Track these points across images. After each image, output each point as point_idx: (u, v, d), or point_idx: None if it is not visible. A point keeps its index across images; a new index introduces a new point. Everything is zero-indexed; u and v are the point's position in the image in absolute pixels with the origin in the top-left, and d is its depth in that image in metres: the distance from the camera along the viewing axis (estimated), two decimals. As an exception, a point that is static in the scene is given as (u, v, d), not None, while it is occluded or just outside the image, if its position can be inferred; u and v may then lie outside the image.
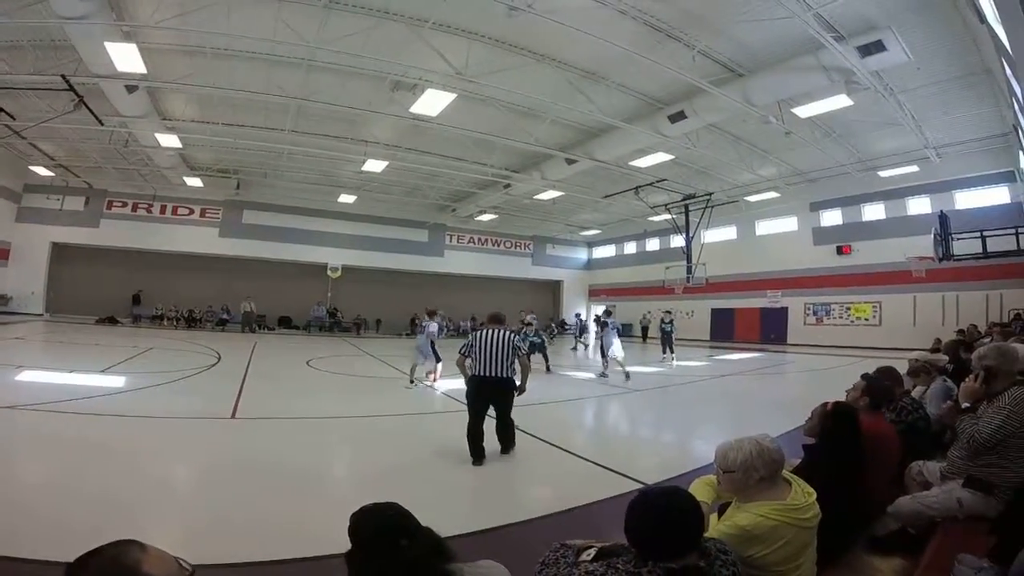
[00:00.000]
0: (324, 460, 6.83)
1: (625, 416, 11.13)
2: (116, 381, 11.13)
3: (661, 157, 23.05)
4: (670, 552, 2.04)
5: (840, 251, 29.26)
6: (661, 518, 2.09)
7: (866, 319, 28.12)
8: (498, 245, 43.51)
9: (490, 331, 7.03)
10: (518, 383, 7.10)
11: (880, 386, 4.44)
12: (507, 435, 7.06)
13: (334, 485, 6.03)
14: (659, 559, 2.02)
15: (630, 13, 13.98)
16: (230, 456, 6.50)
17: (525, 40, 15.89)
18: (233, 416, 8.50)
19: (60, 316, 30.11)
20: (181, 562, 1.38)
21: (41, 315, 29.86)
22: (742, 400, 13.41)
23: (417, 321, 24.54)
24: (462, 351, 7.07)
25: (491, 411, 6.89)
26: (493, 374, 6.82)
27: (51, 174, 29.00)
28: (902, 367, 5.92)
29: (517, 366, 7.04)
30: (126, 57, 14.82)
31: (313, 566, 3.73)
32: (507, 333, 7.06)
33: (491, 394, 6.91)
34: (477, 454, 6.66)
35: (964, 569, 2.69)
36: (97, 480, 5.22)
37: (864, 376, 4.63)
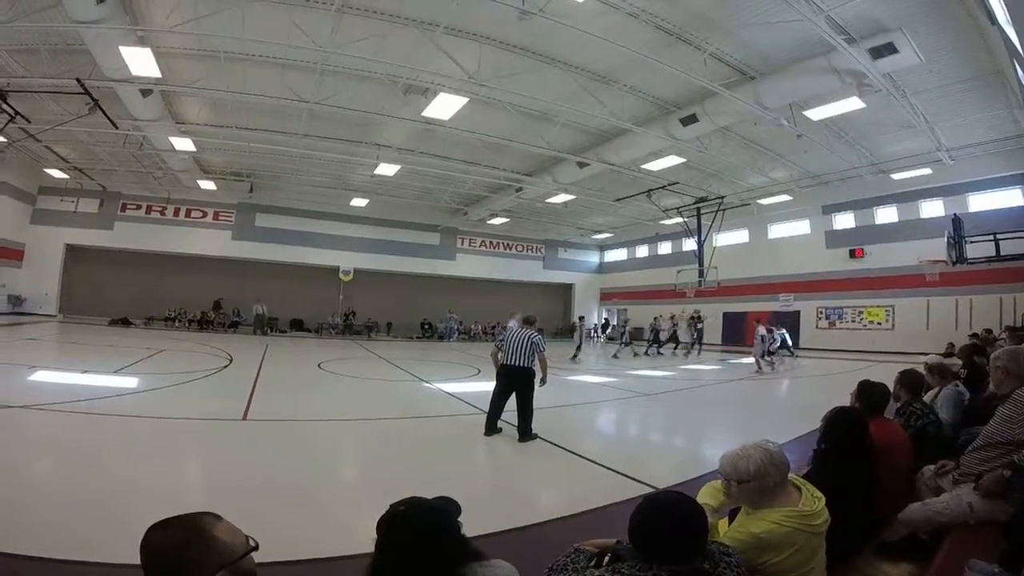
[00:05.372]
0: (336, 462, 6.87)
1: (636, 420, 11.12)
2: (129, 382, 11.17)
3: (673, 160, 23.05)
4: (675, 556, 2.06)
5: (853, 254, 29.10)
6: (665, 523, 2.10)
7: (879, 323, 27.95)
8: (509, 248, 43.49)
9: (519, 330, 8.48)
10: (539, 375, 8.38)
11: (870, 391, 4.46)
12: (524, 422, 8.01)
13: (346, 487, 6.06)
14: (664, 563, 2.04)
15: (641, 17, 13.96)
16: (242, 457, 6.52)
17: (536, 44, 15.94)
18: (245, 418, 8.52)
19: (73, 317, 30.33)
20: (250, 538, 1.57)
21: (55, 316, 30.10)
22: (754, 405, 13.42)
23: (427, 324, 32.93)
24: (497, 344, 8.81)
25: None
26: (515, 364, 8.19)
27: (65, 177, 29.20)
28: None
29: (537, 361, 8.34)
30: (141, 61, 14.97)
31: (325, 567, 3.77)
32: (531, 333, 8.39)
33: (513, 380, 8.21)
34: (489, 427, 8.17)
35: (975, 575, 2.69)
36: (110, 480, 5.27)
37: (860, 382, 4.67)
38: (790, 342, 25.23)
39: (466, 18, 14.63)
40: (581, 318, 29.07)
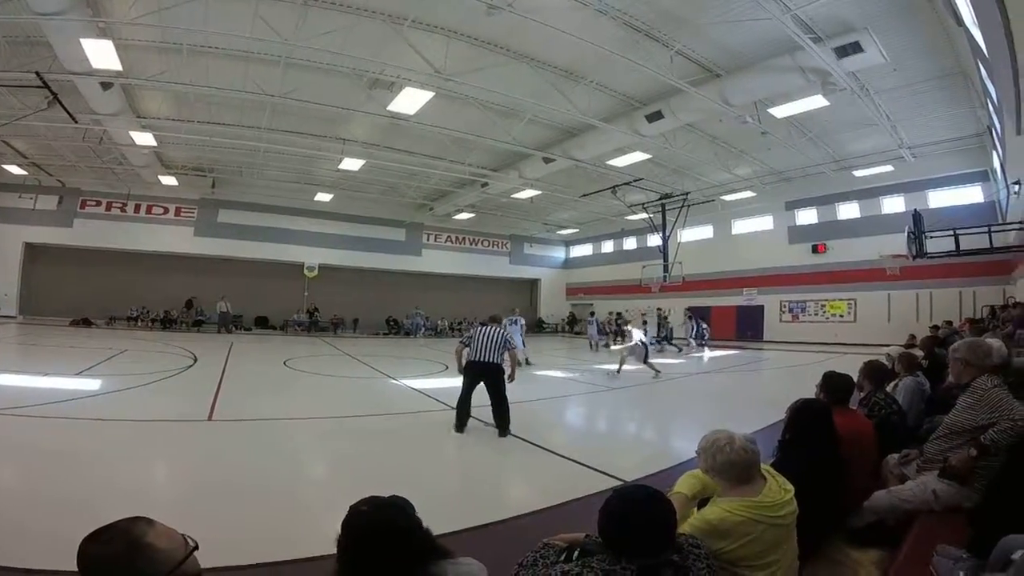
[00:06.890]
0: (304, 461, 6.80)
1: (606, 414, 11.15)
2: (91, 384, 10.95)
3: (638, 156, 23.22)
4: (644, 549, 2.07)
5: (815, 249, 29.60)
6: (634, 517, 2.11)
7: (841, 316, 28.49)
8: (476, 244, 43.41)
9: (487, 327, 8.52)
10: (508, 371, 8.42)
11: (834, 382, 4.52)
12: (502, 418, 8.04)
13: (314, 486, 5.98)
14: (633, 556, 2.04)
15: (609, 13, 14.02)
16: (208, 459, 6.44)
17: (504, 39, 15.90)
18: (210, 418, 8.40)
19: (33, 318, 29.65)
20: (187, 538, 1.55)
21: (14, 317, 29.33)
22: (720, 397, 13.52)
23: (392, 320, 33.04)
24: (463, 341, 8.63)
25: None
26: (483, 359, 8.17)
27: (23, 173, 28.47)
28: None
29: (507, 357, 8.43)
30: (101, 54, 14.62)
31: (292, 569, 3.72)
32: (500, 329, 8.54)
33: (480, 375, 8.20)
34: (460, 423, 8.10)
35: (943, 560, 2.74)
36: (73, 486, 5.14)
37: (825, 373, 4.73)
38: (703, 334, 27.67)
39: (434, 12, 14.55)
40: (619, 314, 28.57)
